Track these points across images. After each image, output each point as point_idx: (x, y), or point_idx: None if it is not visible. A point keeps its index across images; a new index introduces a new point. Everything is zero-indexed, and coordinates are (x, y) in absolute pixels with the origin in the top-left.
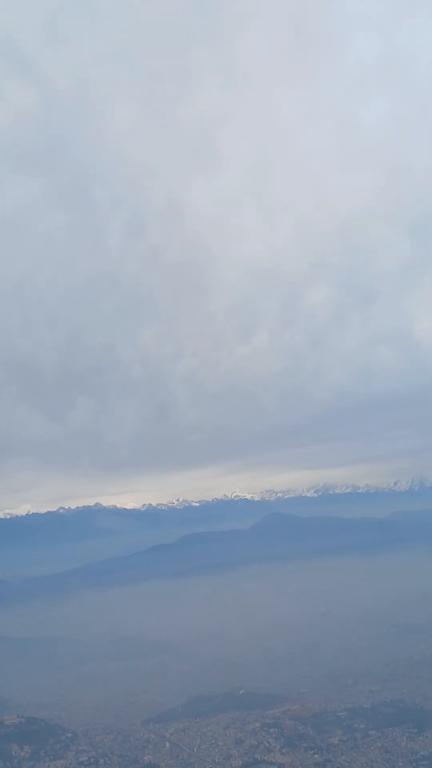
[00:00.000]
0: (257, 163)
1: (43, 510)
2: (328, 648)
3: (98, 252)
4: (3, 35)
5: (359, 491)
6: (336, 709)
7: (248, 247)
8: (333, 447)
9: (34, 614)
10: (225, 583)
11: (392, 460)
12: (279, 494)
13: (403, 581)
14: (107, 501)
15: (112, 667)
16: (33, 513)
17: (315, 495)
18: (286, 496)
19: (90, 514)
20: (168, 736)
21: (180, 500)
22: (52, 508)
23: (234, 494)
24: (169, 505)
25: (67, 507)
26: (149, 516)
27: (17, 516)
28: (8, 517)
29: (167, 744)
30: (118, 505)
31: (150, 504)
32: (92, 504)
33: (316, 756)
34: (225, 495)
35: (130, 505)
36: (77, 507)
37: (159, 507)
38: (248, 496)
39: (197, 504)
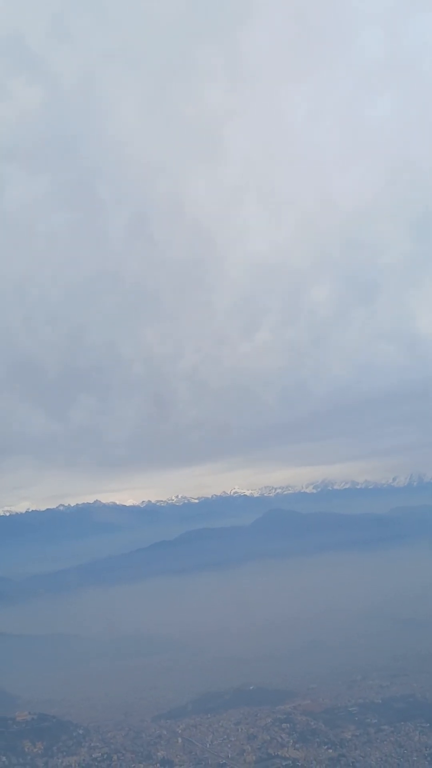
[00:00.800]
0: (261, 159)
1: (42, 507)
2: (334, 644)
3: (101, 250)
4: (9, 33)
5: (358, 487)
6: (347, 704)
7: (252, 243)
8: (332, 443)
9: (38, 612)
10: (228, 580)
11: (391, 455)
12: (278, 490)
13: (405, 577)
14: (106, 498)
15: (119, 664)
16: (32, 510)
17: (314, 491)
18: (285, 493)
19: (89, 512)
20: (180, 732)
21: (179, 497)
22: (52, 505)
23: (233, 491)
24: (169, 502)
25: (66, 504)
26: (148, 513)
27: (17, 513)
28: (7, 514)
29: (180, 740)
30: (118, 502)
31: (149, 501)
32: (92, 501)
33: (330, 751)
34: (224, 491)
35: (129, 502)
36: (76, 504)
37: (158, 504)
38: (247, 493)
39: (196, 501)
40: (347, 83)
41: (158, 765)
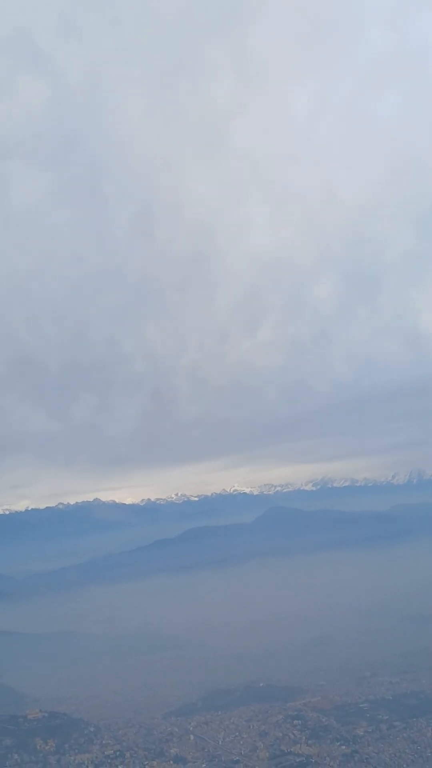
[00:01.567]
0: (266, 156)
1: (42, 506)
2: (341, 640)
3: (105, 246)
4: (16, 30)
5: (357, 484)
6: (357, 700)
7: (255, 240)
8: (330, 440)
9: (40, 610)
10: (231, 577)
11: (390, 453)
12: (278, 488)
13: (409, 573)
14: (106, 496)
15: (124, 662)
16: (32, 509)
17: (314, 488)
18: (285, 490)
19: (89, 510)
20: (191, 729)
21: (179, 495)
22: (51, 503)
23: (233, 489)
24: (168, 499)
25: (66, 503)
26: (148, 511)
27: (16, 512)
28: (7, 513)
29: (192, 737)
30: (117, 500)
31: (149, 499)
32: (91, 499)
33: (344, 747)
34: (224, 489)
35: (128, 500)
36: (76, 502)
37: (158, 502)
38: (247, 491)
39: (196, 498)
40: (352, 80)
41: (172, 762)
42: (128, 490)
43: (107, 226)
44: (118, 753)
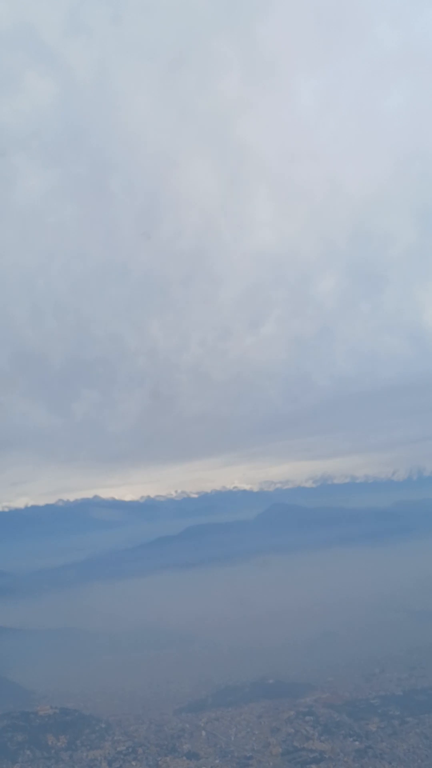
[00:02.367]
0: (273, 150)
1: (41, 503)
2: (347, 636)
3: (110, 242)
4: (25, 26)
5: (357, 481)
6: (368, 696)
7: (260, 235)
8: (330, 437)
9: (43, 606)
10: (234, 574)
11: (389, 449)
12: (278, 485)
13: (413, 569)
14: (106, 493)
15: (131, 658)
16: (31, 506)
17: (314, 485)
18: (285, 487)
19: (89, 507)
20: (202, 725)
21: (178, 492)
22: (51, 500)
23: (233, 486)
24: (168, 496)
25: (65, 500)
26: (148, 508)
27: (16, 509)
28: (7, 510)
29: (203, 733)
30: (117, 497)
31: (148, 496)
32: (90, 497)
33: (357, 743)
34: (224, 486)
35: (128, 497)
36: (75, 499)
37: (157, 499)
38: (247, 488)
39: (196, 496)
40: (358, 75)
41: (185, 758)
42: (127, 488)
43: (112, 221)
44: (130, 749)
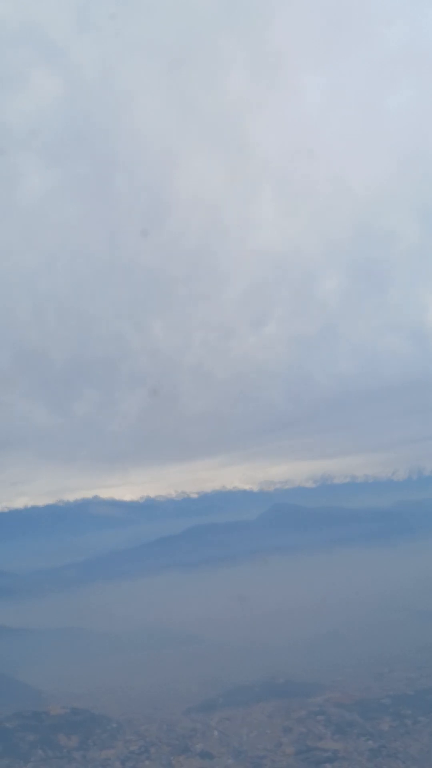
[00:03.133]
0: (278, 149)
1: (41, 503)
2: (352, 636)
3: (114, 241)
4: (33, 24)
5: (357, 481)
6: (378, 696)
7: (264, 234)
8: (329, 437)
9: (47, 606)
10: (237, 574)
11: (389, 449)
12: (278, 485)
13: (415, 569)
14: (105, 493)
15: (136, 658)
16: (31, 506)
17: (314, 485)
18: (285, 487)
19: (88, 507)
20: (213, 724)
21: (178, 492)
22: (50, 500)
23: (233, 486)
24: (168, 496)
25: (65, 500)
26: (148, 508)
27: (15, 509)
28: (6, 510)
29: (215, 732)
30: (117, 497)
31: (148, 496)
32: (90, 496)
33: (370, 742)
34: (223, 486)
35: (128, 497)
36: (75, 500)
37: (157, 499)
38: (247, 488)
39: (196, 496)
40: (365, 73)
41: (198, 757)
42: (127, 488)
43: (115, 220)
44: (142, 748)
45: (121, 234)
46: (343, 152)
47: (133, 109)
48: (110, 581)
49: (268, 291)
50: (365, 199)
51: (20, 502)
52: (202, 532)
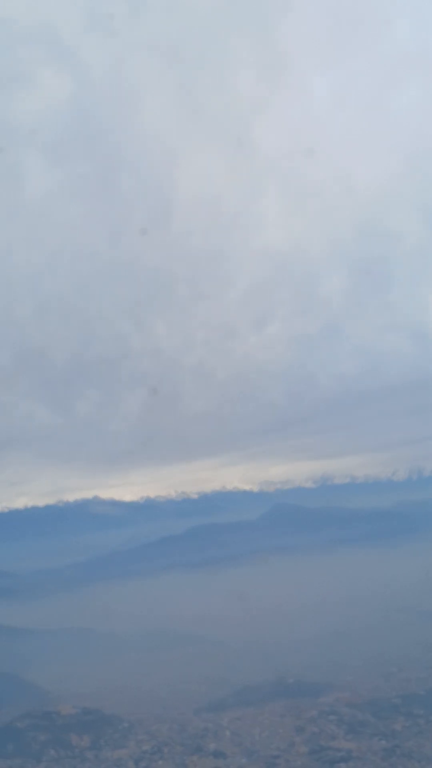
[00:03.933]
0: (285, 149)
1: (40, 503)
2: (358, 636)
3: (117, 240)
4: (42, 23)
5: (357, 482)
6: (389, 696)
7: (269, 234)
8: (329, 437)
9: (50, 607)
10: (240, 575)
11: (389, 449)
12: (278, 485)
13: (418, 569)
14: (105, 493)
15: (144, 658)
16: (31, 506)
17: (314, 486)
18: (285, 487)
19: (88, 507)
20: (225, 724)
21: (178, 492)
22: (50, 501)
23: (233, 486)
24: (168, 497)
25: (65, 500)
26: (148, 508)
27: (15, 509)
28: (6, 510)
29: (228, 732)
30: (117, 498)
31: (148, 496)
32: (90, 497)
33: (383, 742)
34: (223, 487)
35: (128, 497)
36: (75, 500)
37: (157, 499)
38: (247, 488)
39: (196, 496)
40: (373, 73)
41: (211, 757)
42: (127, 488)
43: (119, 219)
44: (155, 748)
45: (124, 233)
46: (347, 152)
47: (138, 109)
48: (112, 581)
49: (270, 291)
50: (369, 198)
51: (20, 502)
52: (203, 533)
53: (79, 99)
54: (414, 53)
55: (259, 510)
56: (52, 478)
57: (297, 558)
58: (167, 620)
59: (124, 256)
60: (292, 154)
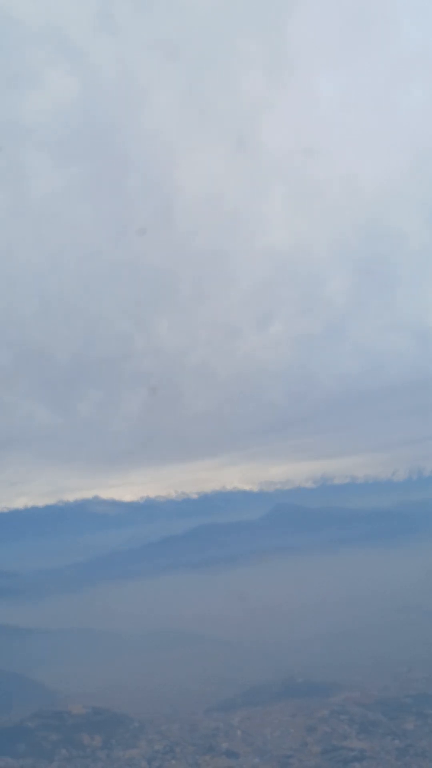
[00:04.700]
0: (291, 149)
1: (40, 503)
2: (364, 636)
3: (122, 240)
4: (51, 24)
5: (358, 482)
6: (398, 695)
7: (274, 234)
8: (329, 437)
9: (54, 607)
10: (243, 575)
11: (389, 449)
12: (278, 485)
13: (419, 569)
14: (105, 493)
15: (150, 658)
16: (31, 506)
17: (314, 486)
18: (285, 487)
19: (88, 507)
20: (236, 724)
21: (178, 492)
22: (50, 501)
23: (233, 486)
24: (168, 497)
25: (65, 500)
26: (148, 508)
27: (15, 509)
28: (6, 510)
29: (239, 732)
30: (117, 498)
31: (148, 496)
32: (90, 497)
33: (396, 742)
34: (223, 487)
35: (128, 498)
36: (75, 500)
37: (157, 499)
38: (247, 488)
39: (196, 496)
40: (380, 73)
41: (224, 756)
42: (127, 488)
43: (124, 219)
44: (167, 748)
45: (127, 233)
46: (351, 152)
47: (143, 108)
48: (113, 581)
49: (272, 290)
50: (372, 198)
51: (20, 502)
52: (203, 533)
53: (84, 99)
54: (419, 53)
55: (260, 510)
56: (52, 478)
57: (297, 558)
58: (169, 620)
59: (127, 256)
60: (296, 153)
